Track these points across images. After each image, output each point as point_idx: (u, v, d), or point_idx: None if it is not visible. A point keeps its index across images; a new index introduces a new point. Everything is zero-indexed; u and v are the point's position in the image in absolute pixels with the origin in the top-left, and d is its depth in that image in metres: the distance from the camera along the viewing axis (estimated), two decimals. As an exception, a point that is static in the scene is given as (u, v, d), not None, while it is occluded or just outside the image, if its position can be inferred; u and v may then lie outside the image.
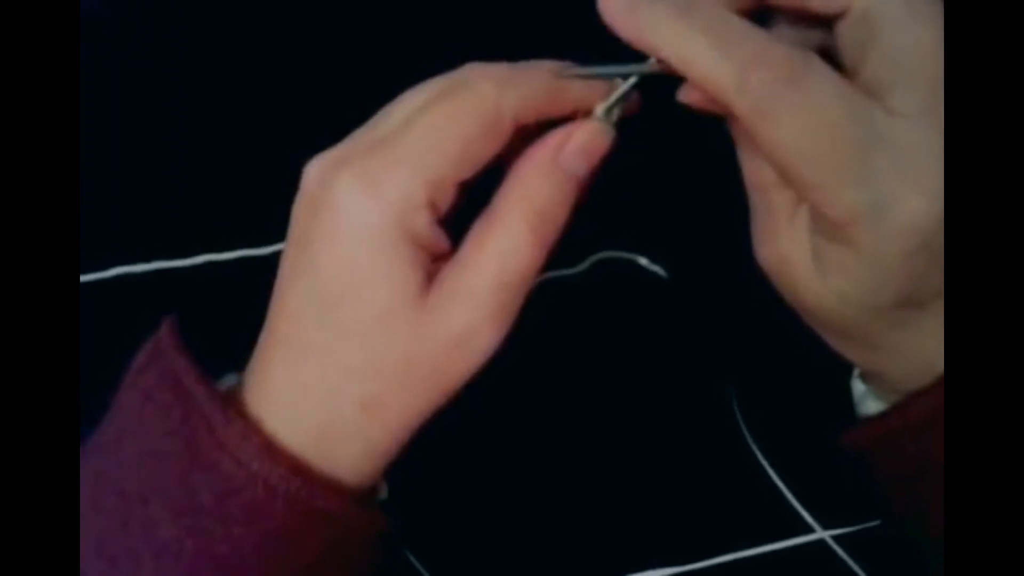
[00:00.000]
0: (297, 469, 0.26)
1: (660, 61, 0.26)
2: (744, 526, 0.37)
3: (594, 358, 0.39)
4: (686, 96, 0.27)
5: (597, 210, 0.39)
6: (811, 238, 0.27)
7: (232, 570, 0.26)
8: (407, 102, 0.27)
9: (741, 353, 0.39)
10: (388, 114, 0.27)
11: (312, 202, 0.26)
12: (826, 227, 0.26)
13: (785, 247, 0.28)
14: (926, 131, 0.25)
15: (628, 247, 0.41)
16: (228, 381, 0.29)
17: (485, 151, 0.26)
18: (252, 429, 0.26)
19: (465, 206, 0.27)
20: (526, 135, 0.27)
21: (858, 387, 0.32)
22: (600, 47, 0.27)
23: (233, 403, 0.27)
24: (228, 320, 0.28)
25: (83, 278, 0.39)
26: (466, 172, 0.26)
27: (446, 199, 0.26)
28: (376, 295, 0.26)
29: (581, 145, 0.27)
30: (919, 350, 0.28)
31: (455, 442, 0.36)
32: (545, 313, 0.38)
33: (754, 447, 0.38)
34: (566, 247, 0.39)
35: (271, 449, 0.26)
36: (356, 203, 0.25)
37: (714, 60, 0.25)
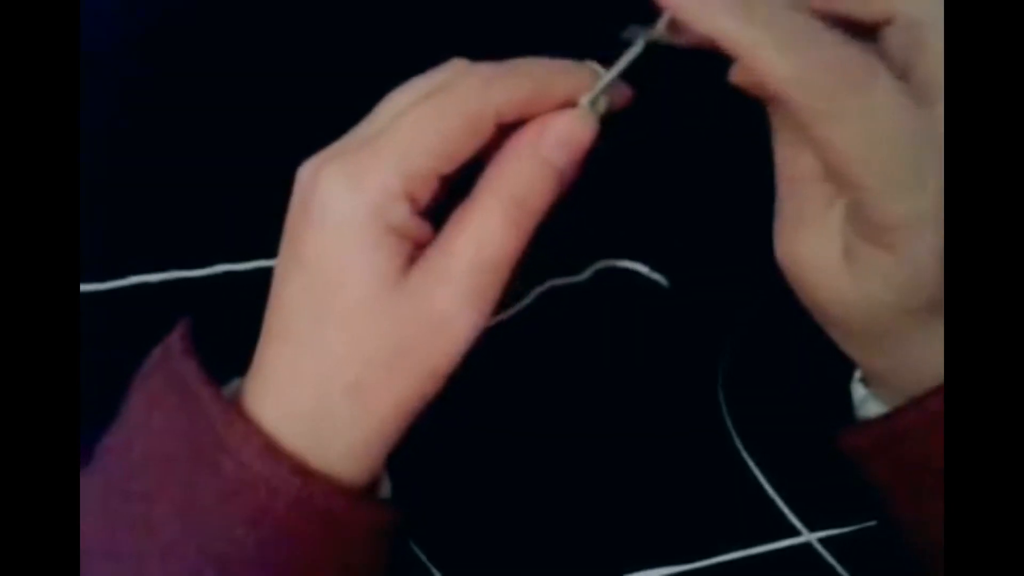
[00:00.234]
0: (298, 469, 0.26)
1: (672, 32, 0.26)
2: (732, 529, 0.37)
3: (595, 365, 0.39)
4: (737, 77, 0.27)
5: (599, 219, 0.40)
6: (844, 237, 0.27)
7: (235, 569, 0.26)
8: (394, 101, 0.28)
9: (730, 356, 0.39)
10: (376, 114, 0.28)
11: (301, 198, 0.27)
12: (866, 229, 0.26)
13: (811, 244, 0.28)
14: None
15: (630, 256, 0.41)
16: (235, 384, 0.29)
17: (466, 147, 0.26)
18: (253, 430, 0.26)
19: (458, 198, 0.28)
20: (514, 131, 0.27)
21: (859, 391, 0.32)
22: (601, 46, 0.28)
23: (236, 405, 0.27)
24: (244, 329, 0.28)
25: (102, 286, 0.40)
26: (446, 167, 0.26)
27: (427, 192, 0.26)
28: (357, 283, 0.26)
29: (558, 132, 0.27)
30: (931, 353, 0.27)
31: (458, 444, 0.37)
32: (547, 321, 0.39)
33: (742, 450, 0.38)
34: (569, 256, 0.41)
35: (272, 450, 0.26)
36: (338, 196, 0.26)
37: (780, 53, 0.24)
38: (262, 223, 0.28)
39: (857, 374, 0.33)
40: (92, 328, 0.37)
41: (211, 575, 0.26)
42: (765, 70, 0.25)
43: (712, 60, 0.26)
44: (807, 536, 0.36)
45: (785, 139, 0.28)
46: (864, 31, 0.26)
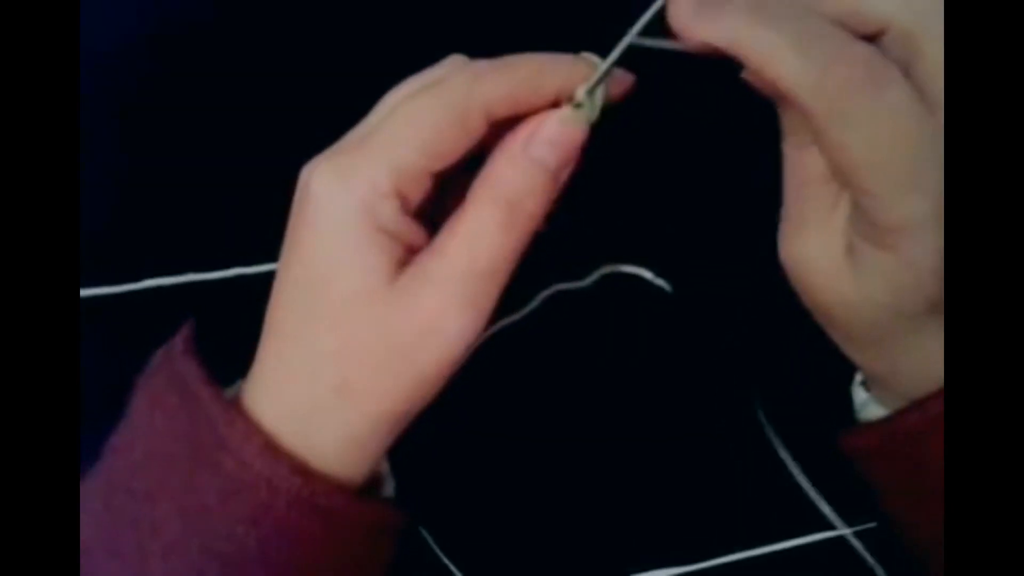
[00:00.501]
0: (298, 468, 0.26)
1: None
2: (732, 530, 0.36)
3: (599, 370, 0.39)
4: (750, 76, 0.26)
5: (603, 224, 0.40)
6: (847, 238, 0.27)
7: (237, 567, 0.26)
8: (389, 99, 0.28)
9: (760, 355, 0.39)
10: (371, 114, 0.28)
11: (298, 197, 0.27)
12: (869, 230, 0.26)
13: (814, 245, 0.28)
14: None
15: (634, 261, 0.41)
16: (238, 385, 0.29)
17: (455, 143, 0.26)
18: (253, 429, 0.26)
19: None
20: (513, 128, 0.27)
21: (859, 394, 0.32)
22: (602, 45, 0.27)
23: (236, 405, 0.27)
24: (255, 332, 0.28)
25: (115, 289, 0.40)
26: (436, 164, 0.26)
27: (417, 190, 0.26)
28: (345, 281, 0.26)
29: (549, 134, 0.26)
30: (930, 354, 0.27)
31: (463, 447, 0.37)
32: (552, 326, 0.39)
33: (779, 447, 0.37)
34: (573, 261, 0.41)
35: (272, 449, 0.26)
36: (328, 193, 0.26)
37: (793, 55, 0.24)
38: (276, 226, 0.29)
39: (858, 377, 0.33)
40: (105, 331, 0.39)
41: (213, 574, 0.26)
42: (779, 73, 0.24)
43: (718, 66, 0.26)
44: (842, 530, 0.36)
45: (794, 141, 0.28)
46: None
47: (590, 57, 0.27)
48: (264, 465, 0.26)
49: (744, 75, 0.26)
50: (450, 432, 0.34)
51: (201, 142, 0.43)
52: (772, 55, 0.24)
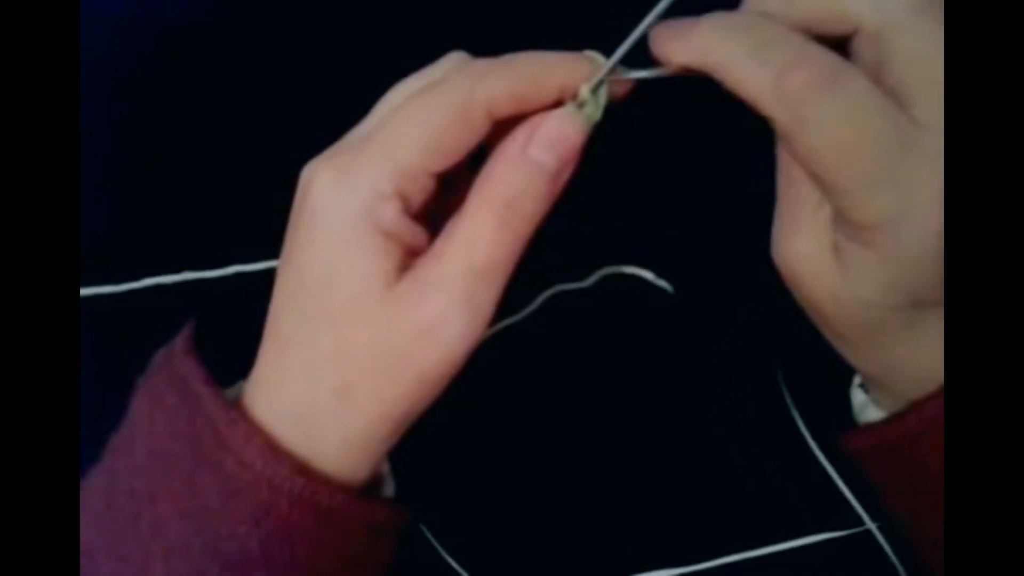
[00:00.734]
0: (299, 468, 0.26)
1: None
2: (735, 532, 0.37)
3: (600, 371, 0.39)
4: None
5: (604, 225, 0.40)
6: (833, 237, 0.27)
7: (238, 567, 0.26)
8: (388, 100, 0.28)
9: (761, 354, 0.39)
10: (371, 114, 0.28)
11: (298, 198, 0.27)
12: (850, 229, 0.26)
13: (803, 244, 0.28)
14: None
15: (635, 262, 0.41)
16: (239, 386, 0.29)
17: (455, 142, 0.26)
18: (254, 430, 0.26)
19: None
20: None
21: (858, 396, 0.33)
22: (604, 44, 0.27)
23: (237, 405, 0.27)
24: (255, 330, 0.28)
25: (116, 288, 0.40)
26: (437, 164, 0.26)
27: (418, 191, 0.26)
28: (345, 283, 0.26)
29: (547, 135, 0.26)
30: (923, 352, 0.28)
31: (465, 448, 0.37)
32: (553, 326, 0.40)
33: (809, 440, 0.37)
34: (574, 262, 0.41)
35: (273, 449, 0.26)
36: (328, 195, 0.26)
37: (751, 65, 0.25)
38: (275, 224, 0.29)
39: (856, 380, 0.33)
40: (107, 330, 0.39)
41: (215, 573, 0.26)
42: (740, 83, 0.25)
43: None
44: (868, 524, 0.36)
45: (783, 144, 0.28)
46: (834, 46, 0.26)
47: (593, 55, 0.27)
48: (265, 465, 0.26)
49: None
50: (451, 433, 0.34)
51: (199, 141, 0.43)
52: (733, 66, 0.25)
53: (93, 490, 0.28)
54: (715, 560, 0.36)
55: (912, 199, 0.25)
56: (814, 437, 0.37)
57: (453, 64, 0.28)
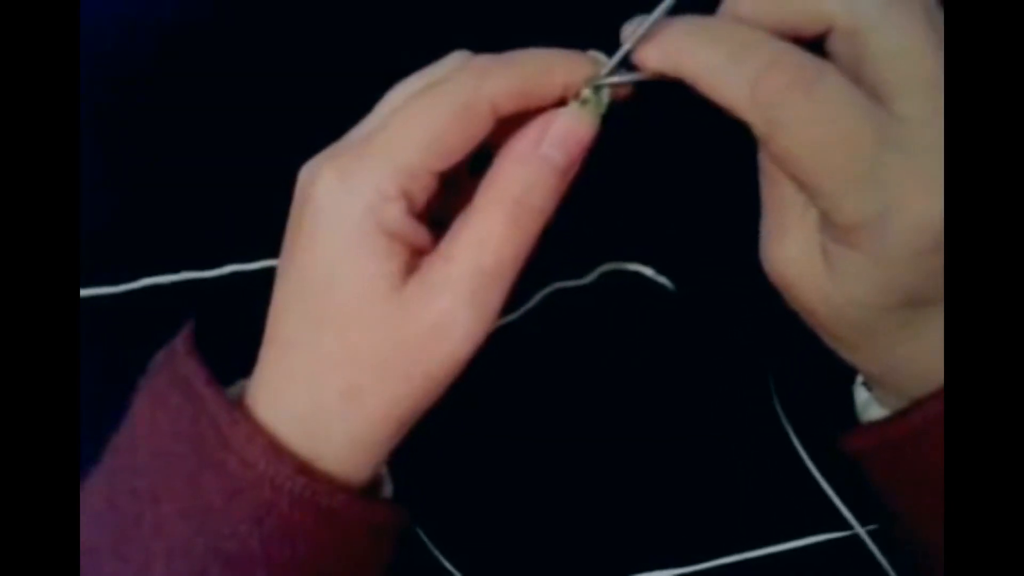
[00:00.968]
0: (301, 468, 0.26)
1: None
2: (766, 523, 0.37)
3: (600, 368, 0.39)
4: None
5: (604, 222, 0.40)
6: (820, 240, 0.27)
7: (240, 567, 0.26)
8: (392, 97, 0.28)
9: (764, 352, 0.39)
10: (373, 113, 0.28)
11: (298, 200, 0.27)
12: (835, 231, 0.26)
13: (792, 250, 0.28)
14: (931, 133, 0.25)
15: (635, 258, 0.41)
16: (240, 385, 0.29)
17: (459, 141, 0.26)
18: (257, 430, 0.26)
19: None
20: (523, 125, 0.27)
21: (861, 394, 0.32)
22: (605, 44, 0.27)
23: (240, 405, 0.27)
24: (253, 329, 0.28)
25: (113, 289, 0.40)
26: (440, 162, 0.26)
27: (422, 190, 0.26)
28: (350, 286, 0.26)
29: (559, 131, 0.26)
30: (923, 350, 0.27)
31: (463, 446, 0.37)
32: (552, 323, 0.39)
33: (798, 446, 0.37)
34: (573, 258, 0.40)
35: (276, 449, 0.26)
36: (331, 197, 0.26)
37: (726, 70, 0.25)
38: (271, 223, 0.29)
39: (859, 377, 0.33)
40: (105, 330, 0.39)
41: (216, 573, 0.26)
42: (715, 90, 0.25)
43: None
44: (857, 529, 0.36)
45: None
46: (810, 46, 0.26)
47: (597, 55, 0.27)
48: (268, 465, 0.26)
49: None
50: (450, 431, 0.34)
51: (196, 141, 0.43)
52: (708, 73, 0.25)
53: (94, 490, 0.28)
54: (706, 563, 0.37)
55: (896, 197, 0.25)
56: (816, 439, 0.37)
57: (456, 63, 0.28)
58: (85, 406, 0.27)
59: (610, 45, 0.27)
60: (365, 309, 0.26)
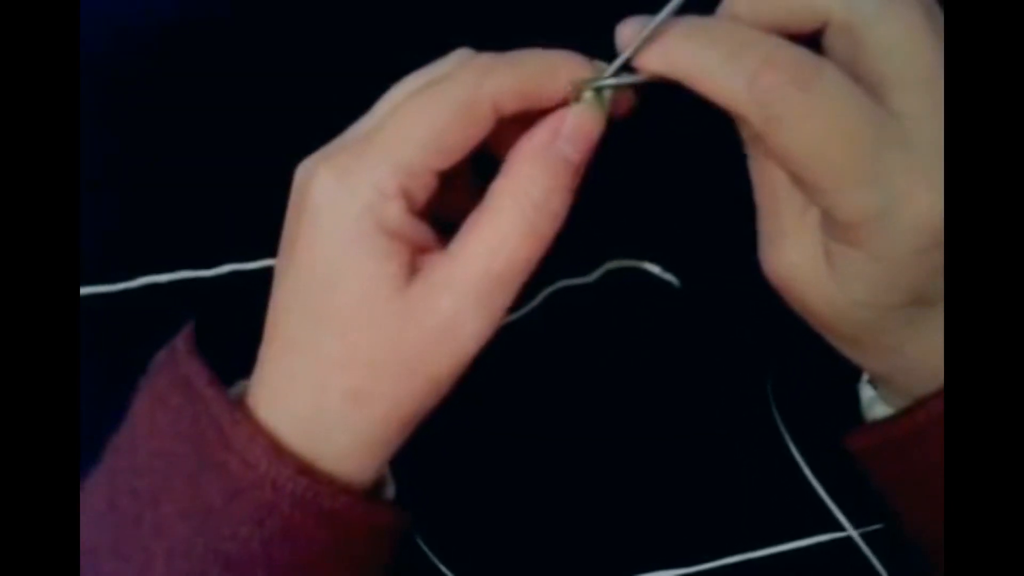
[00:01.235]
0: (303, 469, 0.26)
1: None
2: (769, 523, 0.37)
3: (605, 366, 0.39)
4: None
5: (608, 219, 0.40)
6: (821, 242, 0.27)
7: (240, 568, 0.26)
8: (392, 95, 0.28)
9: (770, 351, 0.39)
10: (372, 111, 0.28)
11: (296, 199, 0.27)
12: (836, 229, 0.26)
13: (792, 253, 0.28)
14: (930, 128, 0.25)
15: (640, 256, 0.41)
16: (241, 386, 0.29)
17: (461, 140, 0.26)
18: (259, 430, 0.26)
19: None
20: (527, 126, 0.27)
21: (866, 392, 0.32)
22: (600, 46, 0.27)
23: (241, 406, 0.27)
24: (252, 328, 0.28)
25: (110, 288, 0.40)
26: (441, 162, 0.26)
27: (422, 189, 0.26)
28: (352, 287, 0.26)
29: (573, 129, 0.26)
30: (928, 349, 0.27)
31: (467, 445, 0.37)
32: (557, 322, 0.39)
33: (791, 446, 0.37)
34: (578, 256, 0.40)
35: (277, 450, 0.26)
36: (329, 196, 0.26)
37: (724, 69, 0.25)
38: (269, 222, 0.28)
39: (864, 376, 0.33)
40: (102, 329, 0.39)
41: (216, 574, 0.26)
42: (713, 90, 0.25)
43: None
44: (850, 531, 0.36)
45: (755, 152, 0.28)
46: (806, 43, 0.26)
47: (600, 65, 0.27)
48: (269, 466, 0.26)
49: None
50: (453, 430, 0.34)
51: (194, 141, 0.43)
52: (705, 73, 0.25)
53: (95, 490, 0.28)
54: (718, 561, 0.36)
55: (896, 193, 0.25)
56: (819, 440, 0.37)
57: (457, 60, 0.28)
58: (82, 405, 0.27)
59: (610, 45, 0.27)
60: (368, 310, 0.26)
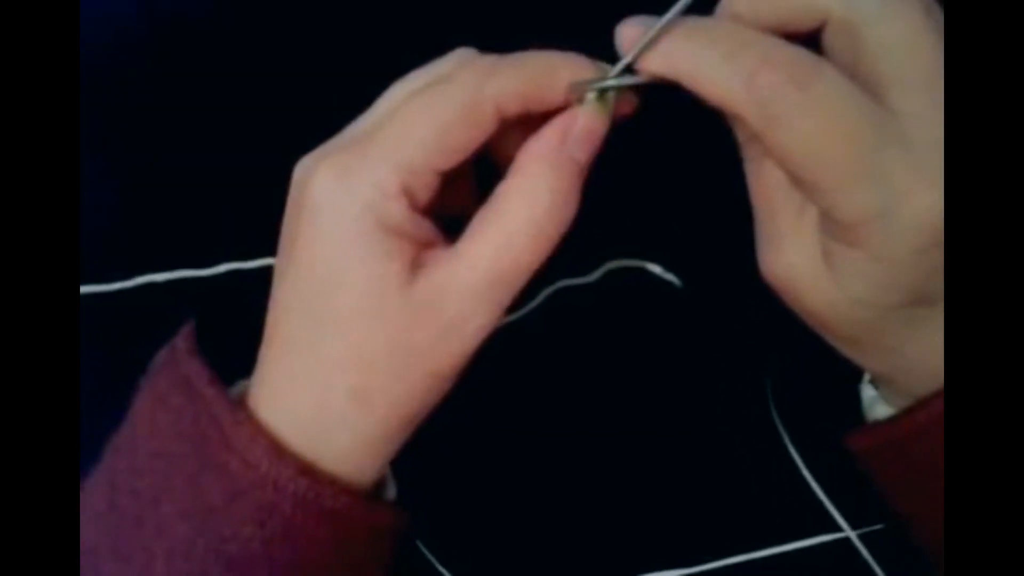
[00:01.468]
0: (304, 469, 0.26)
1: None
2: (768, 523, 0.36)
3: (606, 365, 0.39)
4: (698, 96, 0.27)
5: (610, 219, 0.40)
6: (820, 242, 0.27)
7: (241, 568, 0.26)
8: (393, 94, 0.28)
9: (770, 351, 0.39)
10: (374, 107, 0.28)
11: (295, 198, 0.27)
12: (836, 229, 0.26)
13: (791, 255, 0.28)
14: (930, 128, 0.25)
15: (641, 255, 0.41)
16: (241, 386, 0.29)
17: (463, 140, 0.26)
18: (260, 431, 0.26)
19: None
20: (527, 127, 0.27)
21: (868, 392, 0.32)
22: (601, 46, 0.27)
23: (242, 406, 0.27)
24: (251, 327, 0.28)
25: (108, 287, 0.40)
26: (443, 162, 0.26)
27: (424, 189, 0.26)
28: (353, 286, 0.26)
29: (582, 131, 0.26)
30: (929, 349, 0.27)
31: (468, 444, 0.37)
32: (558, 321, 0.39)
33: (790, 446, 0.37)
34: (579, 256, 0.40)
35: (279, 450, 0.26)
36: (330, 195, 0.26)
37: (723, 69, 0.25)
38: (267, 221, 0.28)
39: (866, 376, 0.33)
40: (100, 329, 0.39)
41: (217, 574, 0.26)
42: (712, 90, 0.25)
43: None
44: (848, 532, 0.36)
45: (750, 155, 0.28)
46: (805, 42, 0.26)
47: (601, 65, 0.27)
48: (271, 466, 0.26)
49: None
50: (454, 430, 0.34)
51: (193, 140, 0.43)
52: (704, 73, 0.25)
53: (95, 490, 0.28)
54: (718, 561, 0.36)
55: (896, 192, 0.25)
56: (819, 440, 0.37)
57: (459, 60, 0.28)
58: (82, 405, 0.27)
59: (610, 45, 0.27)
60: (369, 309, 0.26)
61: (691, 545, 0.36)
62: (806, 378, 0.38)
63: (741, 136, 0.28)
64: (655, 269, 0.40)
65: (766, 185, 0.28)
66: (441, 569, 0.36)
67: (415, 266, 0.26)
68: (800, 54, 0.25)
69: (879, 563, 0.36)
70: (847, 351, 0.29)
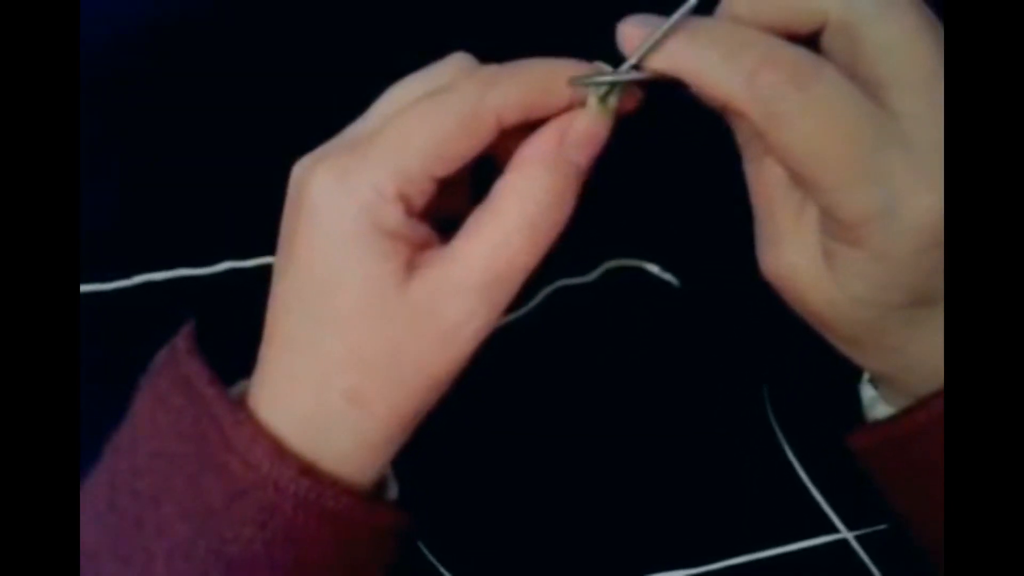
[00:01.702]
0: (305, 470, 0.26)
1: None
2: (767, 524, 0.37)
3: (604, 365, 0.39)
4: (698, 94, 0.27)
5: (608, 218, 0.40)
6: (820, 241, 0.27)
7: (242, 569, 0.26)
8: (391, 97, 0.28)
9: (769, 351, 0.39)
10: (372, 110, 0.28)
11: (293, 200, 0.27)
12: (836, 229, 0.26)
13: (791, 254, 0.28)
14: (930, 128, 0.25)
15: (639, 255, 0.41)
16: (241, 386, 0.29)
17: (462, 149, 0.26)
18: (261, 431, 0.26)
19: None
20: (523, 133, 0.27)
21: (867, 392, 0.32)
22: (600, 46, 0.27)
23: (243, 406, 0.27)
24: (250, 327, 0.28)
25: (108, 286, 0.40)
26: (441, 170, 0.26)
27: (420, 194, 0.26)
28: (351, 286, 0.26)
29: (580, 134, 0.26)
30: (929, 349, 0.27)
31: (467, 445, 0.37)
32: (556, 321, 0.39)
33: (787, 448, 0.37)
34: (577, 255, 0.40)
35: (279, 451, 0.26)
36: (327, 197, 0.26)
37: (724, 68, 0.25)
38: (266, 220, 0.28)
39: (866, 376, 0.33)
40: (99, 328, 0.39)
41: (218, 575, 0.26)
42: (714, 88, 0.25)
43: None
44: (845, 533, 0.36)
45: (750, 155, 0.28)
46: (805, 43, 0.26)
47: (602, 66, 0.27)
48: (272, 467, 0.26)
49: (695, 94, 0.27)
50: (453, 431, 0.34)
51: (192, 139, 0.43)
52: (705, 71, 0.25)
53: (95, 491, 0.28)
54: (717, 563, 0.36)
55: (898, 192, 0.25)
56: (816, 441, 0.37)
57: (457, 66, 0.28)
58: (81, 405, 0.27)
59: (609, 46, 0.27)
60: (367, 310, 0.26)
61: (688, 546, 0.36)
62: (803, 379, 0.38)
63: (741, 136, 0.28)
64: (653, 269, 0.40)
65: (766, 184, 0.28)
66: (442, 570, 0.36)
67: (411, 267, 0.26)
68: (800, 54, 0.25)
69: (876, 564, 0.36)
70: (847, 351, 0.29)
